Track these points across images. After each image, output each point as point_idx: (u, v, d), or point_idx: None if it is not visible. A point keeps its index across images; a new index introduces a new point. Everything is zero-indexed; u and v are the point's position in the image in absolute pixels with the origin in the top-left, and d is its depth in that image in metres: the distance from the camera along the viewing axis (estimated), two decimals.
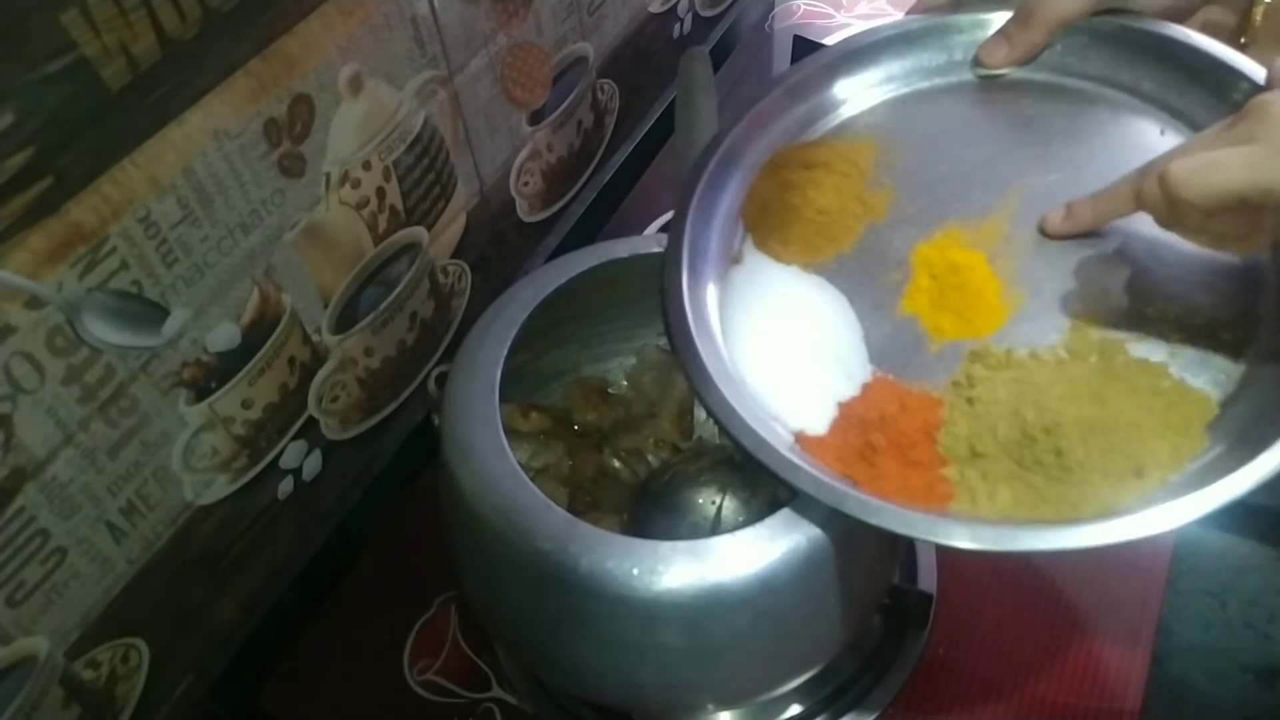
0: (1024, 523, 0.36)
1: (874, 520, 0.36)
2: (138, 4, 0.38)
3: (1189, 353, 0.39)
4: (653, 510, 0.50)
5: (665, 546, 0.40)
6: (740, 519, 0.48)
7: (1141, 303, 0.40)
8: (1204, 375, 0.38)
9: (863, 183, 0.47)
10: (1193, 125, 0.44)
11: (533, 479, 0.42)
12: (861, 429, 0.40)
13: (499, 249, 0.69)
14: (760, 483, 0.49)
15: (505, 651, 0.56)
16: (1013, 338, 0.41)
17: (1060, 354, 0.40)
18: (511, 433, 0.51)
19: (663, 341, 0.56)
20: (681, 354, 0.42)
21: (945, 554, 0.57)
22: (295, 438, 0.55)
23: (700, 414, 0.52)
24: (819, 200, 0.46)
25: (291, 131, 0.48)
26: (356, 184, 0.53)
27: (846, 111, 0.50)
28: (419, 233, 0.59)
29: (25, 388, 0.39)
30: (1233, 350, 0.38)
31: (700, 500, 0.49)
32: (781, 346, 0.43)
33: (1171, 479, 0.36)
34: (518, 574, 0.43)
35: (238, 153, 0.45)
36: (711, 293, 0.44)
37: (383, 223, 0.56)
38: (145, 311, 0.43)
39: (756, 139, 0.48)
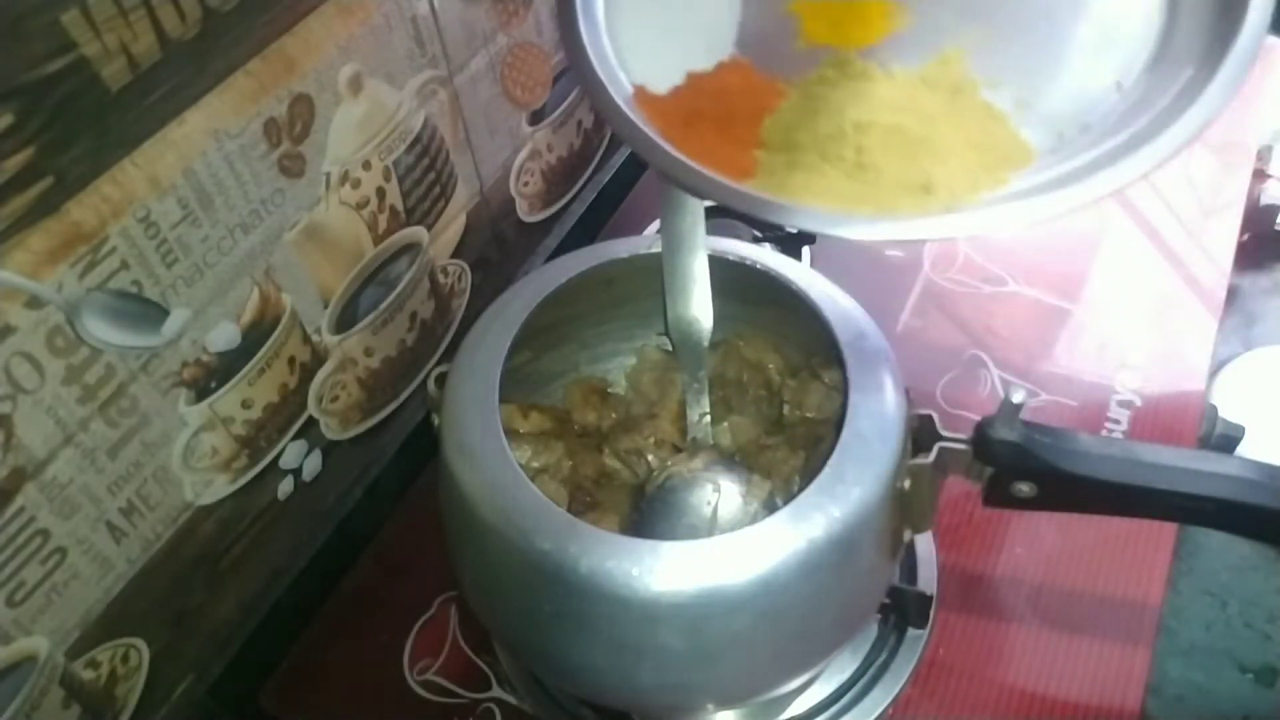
0: (781, 200, 0.37)
1: (661, 167, 0.38)
2: (138, 4, 0.38)
3: (1037, 109, 0.39)
4: (650, 511, 0.50)
5: (665, 546, 0.40)
6: (736, 518, 0.48)
7: (1016, 55, 0.40)
8: (1041, 131, 0.38)
9: None
10: None
11: (533, 479, 0.42)
12: (695, 97, 0.41)
13: (499, 249, 0.69)
14: (754, 482, 0.50)
15: (505, 651, 0.56)
16: (879, 55, 0.41)
17: (914, 79, 0.40)
18: (511, 433, 0.51)
19: (663, 341, 0.56)
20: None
21: (942, 557, 0.57)
22: (295, 438, 0.55)
23: (694, 416, 0.52)
24: None
25: (291, 131, 0.48)
26: (356, 184, 0.53)
27: None
28: (419, 233, 0.59)
29: (25, 388, 0.39)
30: (1079, 114, 0.38)
31: (695, 501, 0.49)
32: (655, 11, 0.44)
33: (958, 205, 0.36)
34: (518, 574, 0.42)
35: (238, 153, 0.45)
36: None
37: (383, 223, 0.56)
38: (145, 311, 0.43)
39: None
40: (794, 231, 0.42)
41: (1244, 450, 0.73)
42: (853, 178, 0.37)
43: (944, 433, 0.44)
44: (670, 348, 0.54)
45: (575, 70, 0.41)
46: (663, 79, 0.41)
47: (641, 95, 0.41)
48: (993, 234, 0.34)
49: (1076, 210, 0.35)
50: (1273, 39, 0.41)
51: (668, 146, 0.39)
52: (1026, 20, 0.41)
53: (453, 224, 0.63)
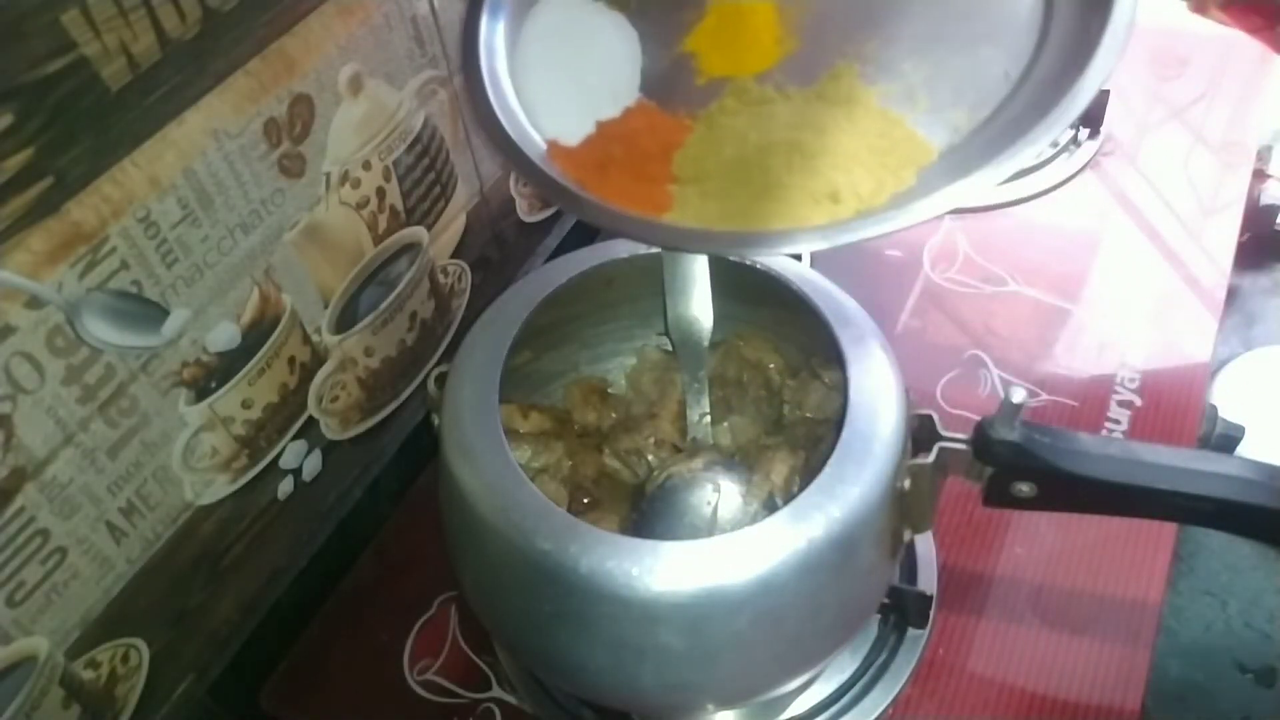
0: (696, 227, 0.38)
1: (581, 214, 0.40)
2: (138, 4, 0.38)
3: (933, 107, 0.40)
4: (650, 511, 0.50)
5: (665, 546, 0.40)
6: (736, 518, 0.48)
7: (906, 61, 0.41)
8: (937, 128, 0.39)
9: None
10: None
11: (533, 479, 0.42)
12: (606, 143, 0.42)
13: (499, 249, 0.69)
14: (754, 482, 0.50)
15: (505, 651, 0.56)
16: (775, 78, 0.42)
17: (811, 96, 0.41)
18: (511, 433, 0.51)
19: (663, 341, 0.56)
20: (464, 58, 0.43)
21: (942, 557, 0.57)
22: (295, 438, 0.55)
23: (694, 416, 0.52)
24: None
25: (291, 131, 0.48)
26: (356, 184, 0.53)
27: None
28: (419, 233, 0.59)
29: (25, 388, 0.39)
30: (973, 108, 0.39)
31: (695, 501, 0.49)
32: (559, 68, 0.45)
33: (866, 209, 0.37)
34: (518, 574, 0.43)
35: (238, 153, 0.45)
36: (511, 14, 0.46)
37: (383, 223, 0.56)
38: (145, 311, 0.43)
39: None
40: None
41: (1244, 450, 0.73)
42: (763, 197, 0.38)
43: (944, 433, 0.44)
44: (670, 348, 0.54)
45: (486, 132, 0.42)
46: (574, 131, 0.43)
47: (555, 149, 0.42)
48: (910, 227, 0.36)
49: (982, 194, 0.36)
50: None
51: (584, 193, 0.40)
52: (912, 28, 0.42)
53: (453, 224, 0.63)
